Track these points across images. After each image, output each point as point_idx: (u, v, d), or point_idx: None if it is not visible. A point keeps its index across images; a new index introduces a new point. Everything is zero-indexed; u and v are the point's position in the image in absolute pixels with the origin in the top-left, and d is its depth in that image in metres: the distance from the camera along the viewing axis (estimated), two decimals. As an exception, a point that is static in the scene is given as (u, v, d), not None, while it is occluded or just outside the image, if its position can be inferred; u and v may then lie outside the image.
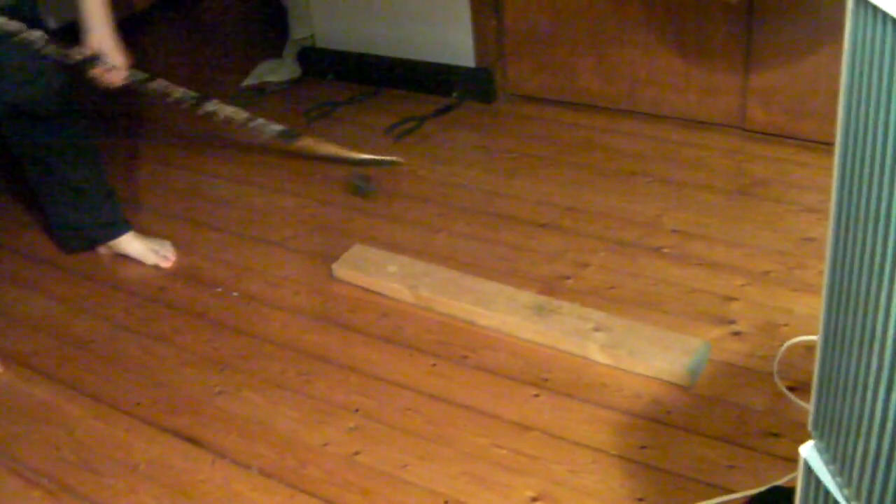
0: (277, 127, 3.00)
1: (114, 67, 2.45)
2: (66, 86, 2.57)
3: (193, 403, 2.29)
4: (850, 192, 0.95)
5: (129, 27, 4.79)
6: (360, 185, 3.05)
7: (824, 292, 1.05)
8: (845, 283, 0.99)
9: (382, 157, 3.17)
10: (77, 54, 2.42)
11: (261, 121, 2.96)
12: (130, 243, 2.84)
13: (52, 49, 2.40)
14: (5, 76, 2.45)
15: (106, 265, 2.86)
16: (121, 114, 3.90)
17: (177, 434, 2.19)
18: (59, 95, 2.56)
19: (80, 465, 2.13)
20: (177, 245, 2.88)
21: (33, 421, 2.28)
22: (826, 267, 1.04)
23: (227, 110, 2.86)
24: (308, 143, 3.11)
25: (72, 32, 2.51)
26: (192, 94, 2.78)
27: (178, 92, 2.76)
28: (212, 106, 2.82)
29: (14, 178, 3.33)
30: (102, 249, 2.88)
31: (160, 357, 2.46)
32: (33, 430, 2.25)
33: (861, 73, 0.90)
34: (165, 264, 2.82)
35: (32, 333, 2.60)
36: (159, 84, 2.69)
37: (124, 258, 2.86)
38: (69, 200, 2.75)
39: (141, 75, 2.60)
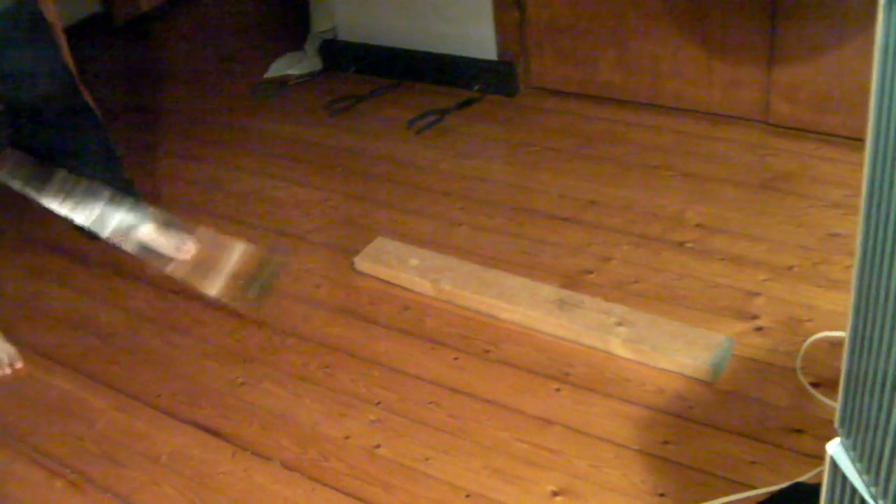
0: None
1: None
2: (71, 84, 2.58)
3: (215, 395, 2.29)
4: (882, 187, 0.94)
5: (144, 21, 4.82)
6: (249, 292, 2.61)
7: (853, 288, 1.05)
8: (875, 280, 0.98)
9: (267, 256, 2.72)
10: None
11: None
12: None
13: None
14: (14, 78, 2.45)
15: (128, 257, 2.87)
16: (140, 107, 3.91)
17: (198, 426, 2.20)
18: (67, 97, 2.56)
19: (102, 456, 2.14)
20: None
21: (55, 413, 2.29)
22: (855, 263, 1.03)
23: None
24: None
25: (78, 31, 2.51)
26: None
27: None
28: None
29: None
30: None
31: (182, 349, 2.46)
32: (55, 421, 2.26)
33: (894, 66, 0.89)
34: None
35: (54, 325, 2.61)
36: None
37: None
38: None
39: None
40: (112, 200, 2.41)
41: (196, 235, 2.52)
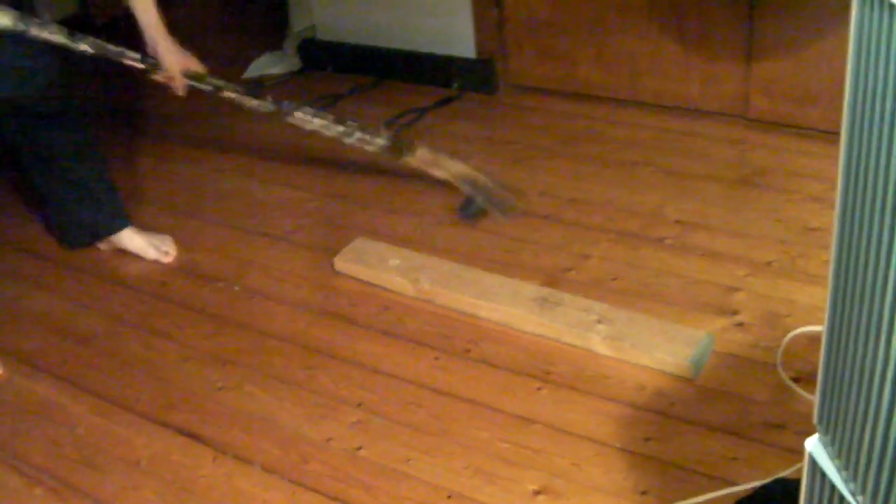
0: (382, 140, 2.77)
1: (169, 75, 2.47)
2: (65, 82, 2.57)
3: (195, 399, 2.28)
4: (857, 182, 0.94)
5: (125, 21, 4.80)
6: (468, 209, 2.83)
7: (830, 283, 1.04)
8: (851, 274, 0.98)
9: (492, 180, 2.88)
10: (130, 58, 2.43)
11: (358, 134, 2.75)
12: (131, 238, 2.83)
13: (110, 51, 2.41)
14: (11, 74, 2.44)
15: (106, 261, 2.86)
16: (120, 108, 3.89)
17: (178, 430, 2.19)
18: (58, 92, 2.55)
19: (81, 462, 2.13)
20: (178, 239, 2.88)
21: (35, 418, 2.27)
22: (832, 257, 1.03)
23: (315, 122, 2.71)
24: (420, 159, 2.83)
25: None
26: (269, 104, 2.68)
27: (253, 102, 2.67)
28: (294, 117, 2.70)
29: (13, 174, 3.32)
30: (103, 245, 2.87)
31: (161, 353, 2.45)
32: (35, 427, 2.25)
33: (867, 62, 0.89)
34: (166, 259, 2.81)
35: (33, 330, 2.59)
36: (232, 93, 2.63)
37: (125, 254, 2.85)
38: (71, 196, 2.74)
39: (208, 82, 2.57)
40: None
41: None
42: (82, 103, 2.71)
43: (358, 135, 2.75)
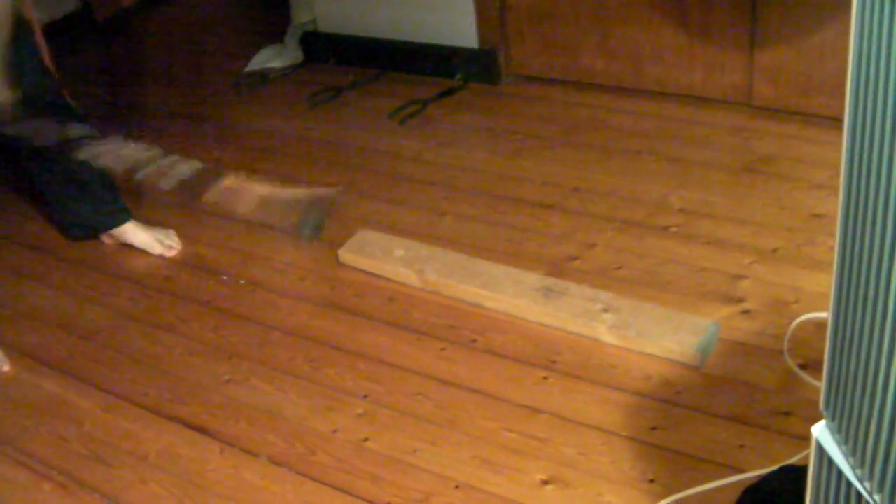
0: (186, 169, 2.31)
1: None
2: (53, 85, 2.57)
3: (201, 392, 2.28)
4: (860, 168, 0.93)
5: (125, 18, 4.80)
6: (306, 228, 2.60)
7: (835, 270, 1.04)
8: (856, 260, 0.98)
9: (320, 191, 2.58)
10: None
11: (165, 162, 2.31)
12: (135, 233, 2.83)
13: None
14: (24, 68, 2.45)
15: (111, 256, 2.86)
16: (121, 103, 3.89)
17: (185, 423, 2.19)
18: (47, 95, 2.55)
19: (89, 457, 2.13)
20: (181, 234, 2.87)
21: (42, 414, 2.28)
22: (836, 244, 1.02)
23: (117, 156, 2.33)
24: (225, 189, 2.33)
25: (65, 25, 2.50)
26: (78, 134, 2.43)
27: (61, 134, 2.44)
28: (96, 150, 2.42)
29: (14, 170, 3.33)
30: (107, 240, 2.87)
31: (167, 347, 2.45)
32: (42, 423, 2.25)
33: (869, 49, 0.88)
34: (170, 253, 2.81)
35: (39, 326, 2.60)
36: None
37: (129, 248, 2.85)
38: (70, 192, 2.74)
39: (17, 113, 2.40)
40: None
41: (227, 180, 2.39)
42: (73, 103, 2.70)
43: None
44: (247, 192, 2.26)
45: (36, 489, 2.06)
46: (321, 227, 2.29)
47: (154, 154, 2.26)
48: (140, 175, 2.23)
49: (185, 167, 2.25)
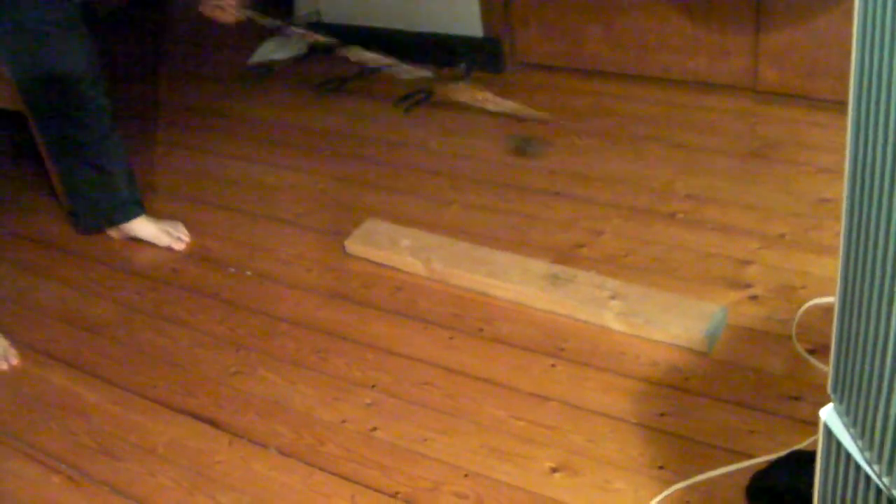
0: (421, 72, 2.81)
1: (223, 5, 2.44)
2: (95, 75, 2.60)
3: (209, 384, 2.28)
4: (865, 151, 0.93)
5: (128, 11, 4.80)
6: (523, 144, 2.88)
7: (841, 253, 1.04)
8: (862, 243, 0.97)
9: (528, 113, 3.05)
10: None
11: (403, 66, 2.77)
12: (144, 226, 2.83)
13: None
14: (42, 43, 2.46)
15: (117, 249, 2.86)
16: (126, 97, 3.89)
17: (194, 415, 2.19)
18: (90, 65, 2.57)
19: (98, 450, 2.13)
20: (188, 226, 2.87)
21: (50, 408, 2.28)
22: (842, 227, 1.02)
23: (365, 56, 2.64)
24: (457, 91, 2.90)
25: None
26: (327, 39, 2.63)
27: (309, 37, 2.63)
28: (348, 51, 2.63)
29: (21, 165, 3.33)
30: (114, 234, 2.88)
31: (175, 339, 2.45)
32: (50, 416, 2.25)
33: (873, 31, 0.88)
34: (179, 246, 2.81)
35: (46, 320, 2.60)
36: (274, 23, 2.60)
37: (135, 242, 2.85)
38: (89, 177, 2.74)
39: (256, 15, 2.54)
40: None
41: None
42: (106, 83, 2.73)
43: (402, 66, 2.89)
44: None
45: (44, 482, 2.06)
46: (534, 152, 2.53)
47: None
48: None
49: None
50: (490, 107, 2.90)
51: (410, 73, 2.64)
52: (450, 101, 2.82)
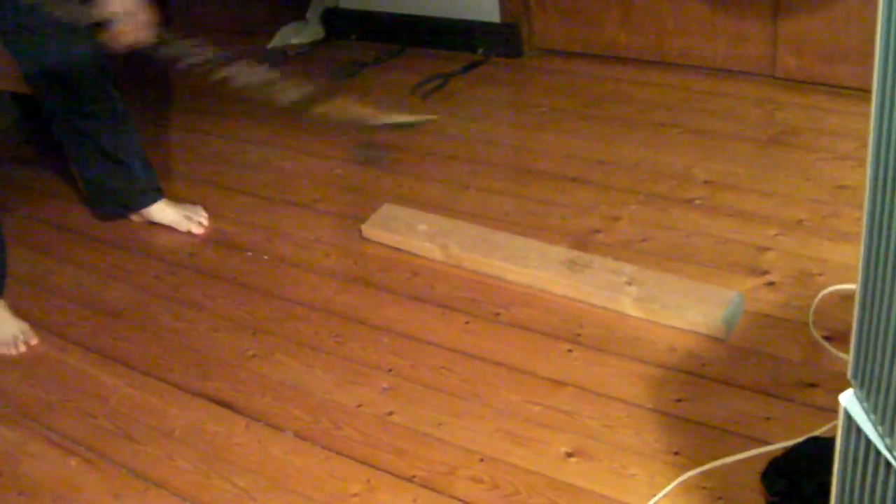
0: (296, 93, 2.56)
1: (135, 28, 2.40)
2: (101, 51, 2.58)
3: (227, 368, 2.29)
4: (889, 137, 0.92)
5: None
6: (366, 153, 2.80)
7: (863, 239, 1.03)
8: (885, 229, 0.97)
9: (414, 118, 3.02)
10: (91, 15, 2.38)
11: (282, 85, 2.68)
12: (163, 211, 2.84)
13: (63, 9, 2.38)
14: (44, 43, 2.46)
15: (135, 233, 2.87)
16: (144, 82, 3.89)
17: (211, 399, 2.20)
18: (95, 61, 2.56)
19: (115, 432, 2.14)
20: (206, 210, 2.88)
21: (68, 390, 2.29)
22: (865, 213, 1.02)
23: (246, 76, 2.61)
24: (332, 107, 2.77)
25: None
26: (214, 55, 2.59)
27: (201, 55, 2.60)
28: (230, 71, 2.59)
29: (40, 149, 3.34)
30: (135, 217, 2.88)
31: (192, 323, 2.46)
32: (68, 399, 2.26)
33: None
34: (199, 230, 2.82)
35: (65, 303, 2.61)
36: (181, 46, 2.56)
37: (154, 226, 2.86)
38: (106, 167, 2.75)
39: (165, 35, 2.50)
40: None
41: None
42: (117, 77, 2.72)
43: (280, 85, 2.53)
44: (349, 111, 2.51)
45: (62, 465, 2.07)
46: (380, 159, 2.36)
47: (274, 76, 2.49)
48: (262, 91, 2.47)
49: (297, 91, 2.49)
50: (375, 121, 2.72)
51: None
52: (326, 119, 2.63)
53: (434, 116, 2.92)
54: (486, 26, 3.61)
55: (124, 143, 2.74)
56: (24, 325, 2.47)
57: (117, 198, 2.83)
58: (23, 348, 2.43)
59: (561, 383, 2.08)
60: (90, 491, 2.00)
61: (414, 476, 1.91)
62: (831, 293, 2.18)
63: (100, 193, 2.85)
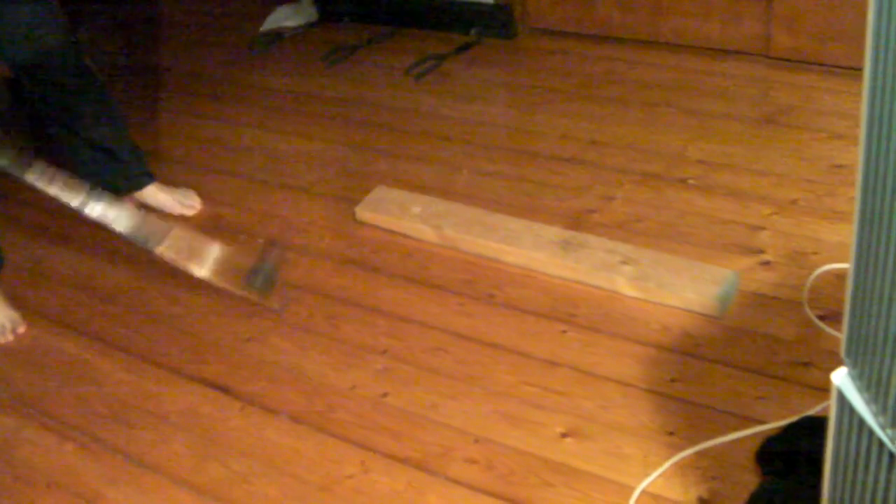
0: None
1: None
2: (72, 44, 2.57)
3: (222, 351, 2.29)
4: (882, 115, 0.92)
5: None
6: (255, 281, 2.46)
7: (856, 217, 1.03)
8: (877, 207, 0.97)
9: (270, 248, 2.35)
10: None
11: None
12: (155, 195, 2.83)
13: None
14: (15, 40, 2.44)
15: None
16: (137, 66, 3.88)
17: (206, 383, 2.20)
18: (67, 53, 2.54)
19: (111, 417, 2.14)
20: (200, 194, 2.87)
21: (64, 376, 2.29)
22: (857, 191, 1.01)
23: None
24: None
25: None
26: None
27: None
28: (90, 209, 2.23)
29: (32, 134, 3.33)
30: (128, 201, 2.87)
31: (187, 307, 2.45)
32: (64, 384, 2.26)
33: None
34: (191, 213, 2.82)
35: (60, 288, 2.60)
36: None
37: (149, 210, 2.85)
38: (94, 159, 2.74)
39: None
40: (93, 191, 2.31)
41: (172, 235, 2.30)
42: (97, 66, 2.70)
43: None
44: (200, 247, 2.22)
45: (58, 450, 2.07)
46: (273, 282, 2.19)
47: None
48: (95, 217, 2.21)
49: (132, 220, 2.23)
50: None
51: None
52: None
53: (276, 306, 2.58)
54: (479, 7, 3.60)
55: (111, 133, 2.73)
56: (14, 314, 2.47)
57: (107, 183, 2.82)
58: (10, 337, 2.43)
59: (556, 364, 2.08)
60: (86, 476, 2.00)
61: (408, 458, 1.91)
62: (826, 272, 2.18)
63: (90, 180, 2.84)
